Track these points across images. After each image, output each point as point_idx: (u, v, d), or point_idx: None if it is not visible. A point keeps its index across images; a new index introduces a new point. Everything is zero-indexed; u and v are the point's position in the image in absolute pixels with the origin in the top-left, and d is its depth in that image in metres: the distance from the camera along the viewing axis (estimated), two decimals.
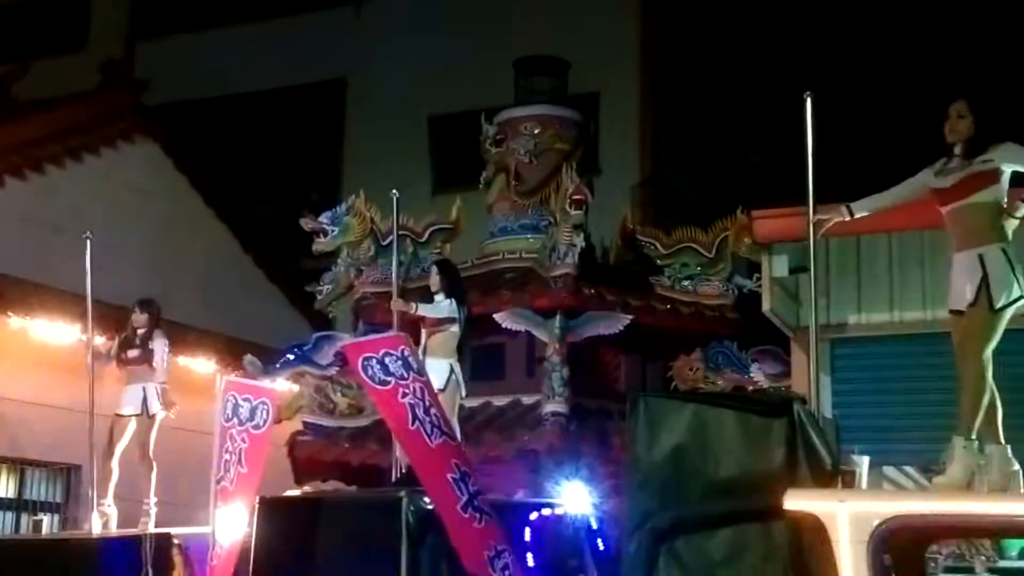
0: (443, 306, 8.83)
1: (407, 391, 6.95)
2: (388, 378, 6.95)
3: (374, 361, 6.98)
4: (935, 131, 6.34)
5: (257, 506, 8.06)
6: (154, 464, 9.68)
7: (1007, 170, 5.99)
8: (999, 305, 5.85)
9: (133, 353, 9.81)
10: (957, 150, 6.13)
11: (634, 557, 5.39)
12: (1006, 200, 6.03)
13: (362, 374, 7.03)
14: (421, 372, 7.15)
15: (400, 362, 7.02)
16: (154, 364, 9.77)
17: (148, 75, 16.61)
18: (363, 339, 7.67)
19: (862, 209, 6.52)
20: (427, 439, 6.87)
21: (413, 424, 6.88)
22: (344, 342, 8.76)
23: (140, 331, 9.90)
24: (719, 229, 12.18)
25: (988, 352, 5.91)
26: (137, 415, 9.70)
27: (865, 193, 6.69)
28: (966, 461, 5.79)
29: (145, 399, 9.71)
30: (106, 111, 14.88)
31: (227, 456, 8.13)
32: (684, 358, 11.71)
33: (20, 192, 13.26)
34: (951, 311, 6.06)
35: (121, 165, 14.65)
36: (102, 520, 9.49)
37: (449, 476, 6.87)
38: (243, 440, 8.23)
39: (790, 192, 6.95)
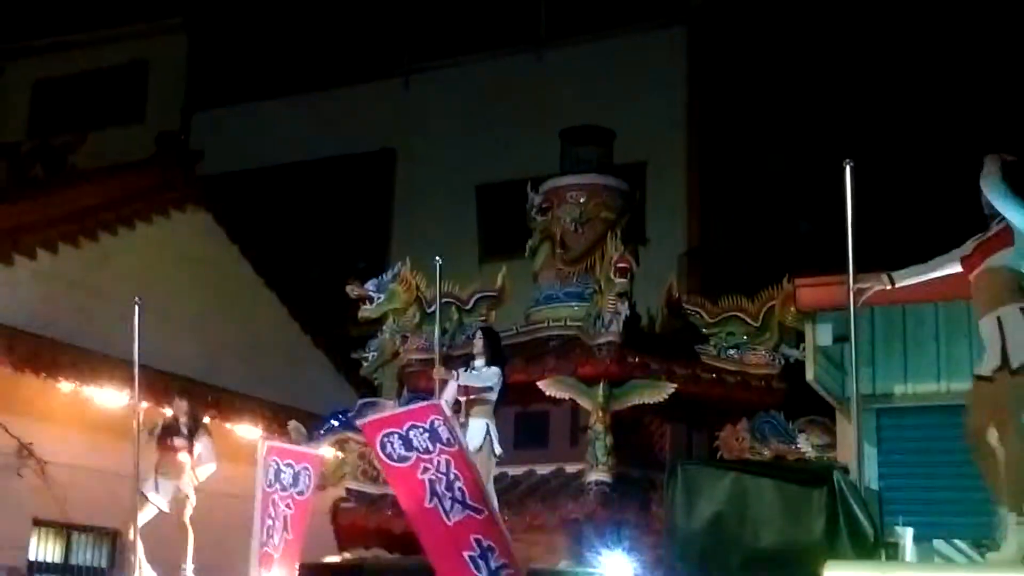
0: (485, 374, 8.95)
1: (429, 466, 6.72)
2: (409, 454, 6.72)
3: (395, 437, 6.73)
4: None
5: (297, 573, 8.04)
6: (191, 531, 9.73)
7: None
8: (1016, 366, 5.63)
9: (179, 442, 9.93)
10: (994, 223, 6.05)
11: None
12: None
13: (379, 451, 6.83)
14: (451, 443, 6.87)
15: (427, 434, 6.79)
16: (198, 464, 9.91)
17: (202, 145, 16.95)
18: (385, 415, 7.41)
19: (904, 279, 6.43)
20: (444, 516, 6.62)
21: (430, 501, 6.63)
22: (372, 417, 8.69)
23: (183, 419, 10.03)
24: (766, 298, 12.09)
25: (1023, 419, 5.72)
26: (162, 511, 9.82)
27: (913, 261, 6.65)
28: (1020, 538, 5.62)
29: (176, 495, 9.88)
30: (159, 181, 15.13)
31: (269, 521, 8.10)
32: (730, 428, 11.55)
33: (72, 259, 13.47)
34: (975, 376, 5.90)
35: (173, 233, 14.87)
36: None
37: (467, 554, 6.62)
38: (287, 506, 8.21)
39: (840, 261, 6.89)
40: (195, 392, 10.26)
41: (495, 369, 9.07)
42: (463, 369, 9.15)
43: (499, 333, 9.99)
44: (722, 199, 17.89)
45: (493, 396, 8.97)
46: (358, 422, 9.47)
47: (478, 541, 6.64)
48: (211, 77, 21.64)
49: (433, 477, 6.69)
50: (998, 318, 5.76)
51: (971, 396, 5.93)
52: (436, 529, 6.66)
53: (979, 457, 5.80)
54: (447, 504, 6.64)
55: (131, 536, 9.70)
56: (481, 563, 6.60)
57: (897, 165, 15.65)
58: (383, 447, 6.77)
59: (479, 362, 9.10)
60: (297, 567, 8.13)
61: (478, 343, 9.27)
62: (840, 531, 5.21)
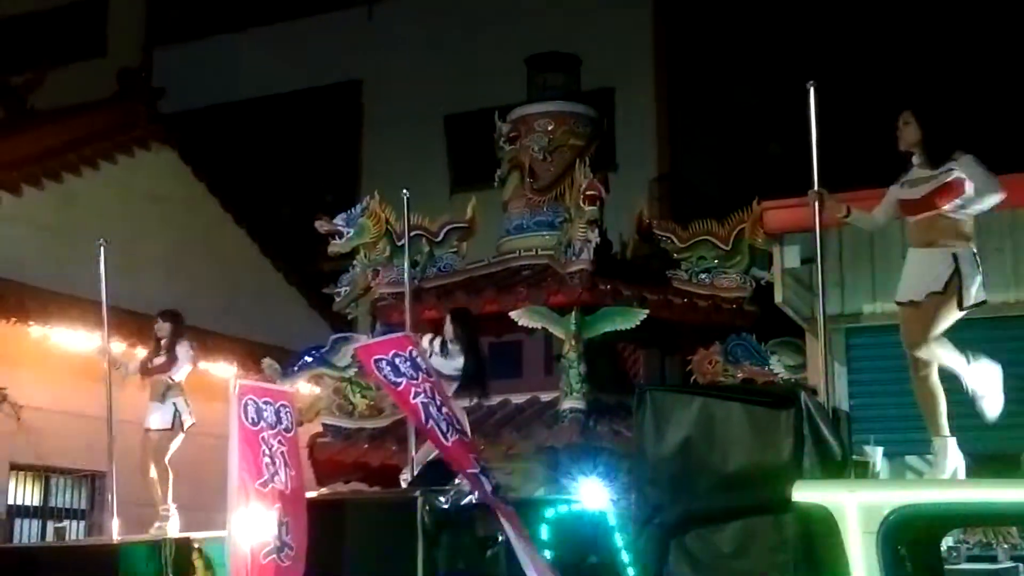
0: (450, 364, 8.46)
1: (419, 390, 6.84)
2: (399, 379, 6.83)
3: (384, 363, 6.89)
4: (954, 119, 6.39)
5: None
6: (169, 470, 9.74)
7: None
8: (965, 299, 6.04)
9: (158, 360, 9.89)
10: (914, 159, 6.27)
11: (644, 551, 5.39)
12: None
13: (378, 375, 7.00)
14: (429, 373, 7.07)
15: (408, 363, 6.94)
16: (176, 366, 9.87)
17: (165, 81, 16.72)
18: (372, 341, 7.55)
19: (856, 220, 6.69)
20: (442, 437, 6.77)
21: (427, 423, 6.79)
22: (359, 343, 8.68)
23: (163, 340, 9.99)
24: (736, 221, 12.12)
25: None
26: (168, 429, 9.76)
27: (881, 180, 6.74)
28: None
29: (177, 414, 9.80)
30: (122, 119, 14.95)
31: (267, 459, 8.03)
32: (703, 351, 11.59)
33: (38, 200, 13.33)
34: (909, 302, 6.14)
35: (138, 172, 14.72)
36: (164, 523, 9.57)
37: (470, 471, 6.81)
38: (280, 443, 8.19)
39: (810, 182, 6.92)
40: (175, 315, 10.10)
41: (462, 363, 8.48)
42: (438, 349, 8.72)
43: (471, 315, 9.26)
44: (691, 122, 17.83)
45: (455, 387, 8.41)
46: (355, 347, 9.38)
47: (476, 460, 6.84)
48: (171, 11, 21.29)
49: (425, 400, 6.83)
50: (953, 254, 6.05)
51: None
52: (441, 446, 6.84)
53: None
54: (443, 425, 6.79)
55: (112, 476, 9.67)
56: (484, 478, 6.76)
57: (866, 85, 15.60)
58: (380, 370, 6.86)
59: (453, 348, 8.54)
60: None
61: (448, 328, 8.66)
62: (808, 452, 5.27)
